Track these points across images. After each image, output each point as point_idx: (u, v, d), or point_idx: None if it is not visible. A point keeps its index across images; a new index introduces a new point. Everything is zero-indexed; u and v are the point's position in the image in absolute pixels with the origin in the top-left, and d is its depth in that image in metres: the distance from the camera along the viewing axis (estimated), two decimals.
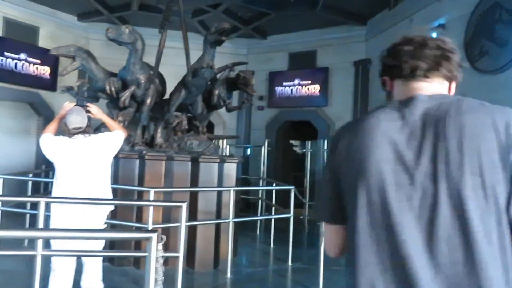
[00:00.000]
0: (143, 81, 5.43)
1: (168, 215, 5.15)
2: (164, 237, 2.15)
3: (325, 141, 8.65)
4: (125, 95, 5.26)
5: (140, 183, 5.23)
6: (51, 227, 3.16)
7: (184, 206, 3.14)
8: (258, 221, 8.00)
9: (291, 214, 5.78)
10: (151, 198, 4.35)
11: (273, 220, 6.84)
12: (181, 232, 3.15)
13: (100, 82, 5.67)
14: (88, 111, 3.42)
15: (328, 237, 1.28)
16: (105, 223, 3.48)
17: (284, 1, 9.17)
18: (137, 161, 5.30)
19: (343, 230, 1.20)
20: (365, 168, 1.08)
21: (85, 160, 3.25)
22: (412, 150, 1.06)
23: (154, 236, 1.92)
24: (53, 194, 3.29)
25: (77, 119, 3.23)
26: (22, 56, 9.42)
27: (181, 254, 2.94)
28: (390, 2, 8.85)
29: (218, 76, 6.24)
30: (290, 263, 5.67)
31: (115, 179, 5.31)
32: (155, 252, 1.94)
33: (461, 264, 0.97)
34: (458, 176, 1.00)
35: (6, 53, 9.10)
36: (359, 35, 10.24)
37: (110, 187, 3.49)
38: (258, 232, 7.91)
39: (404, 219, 1.02)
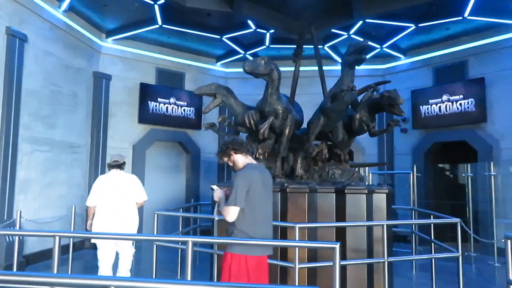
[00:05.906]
0: (281, 111, 5.27)
1: (314, 250, 4.76)
2: None
3: (490, 164, 7.21)
4: (264, 127, 5.15)
5: (283, 217, 4.97)
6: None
7: (338, 248, 2.70)
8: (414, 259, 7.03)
9: (459, 253, 4.85)
10: (297, 234, 4.02)
11: (433, 260, 5.83)
12: (336, 276, 2.70)
13: (240, 117, 5.72)
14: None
15: (234, 213, 3.09)
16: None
17: (425, 11, 8.29)
18: (279, 194, 5.07)
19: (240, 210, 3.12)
20: (257, 186, 3.20)
21: None
22: (264, 183, 3.28)
23: None
24: None
25: None
26: (172, 100, 10.40)
27: None
28: None
29: (359, 99, 5.77)
30: None
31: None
32: None
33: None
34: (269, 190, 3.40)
35: (159, 99, 10.17)
36: None
37: None
38: (414, 272, 6.93)
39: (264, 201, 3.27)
